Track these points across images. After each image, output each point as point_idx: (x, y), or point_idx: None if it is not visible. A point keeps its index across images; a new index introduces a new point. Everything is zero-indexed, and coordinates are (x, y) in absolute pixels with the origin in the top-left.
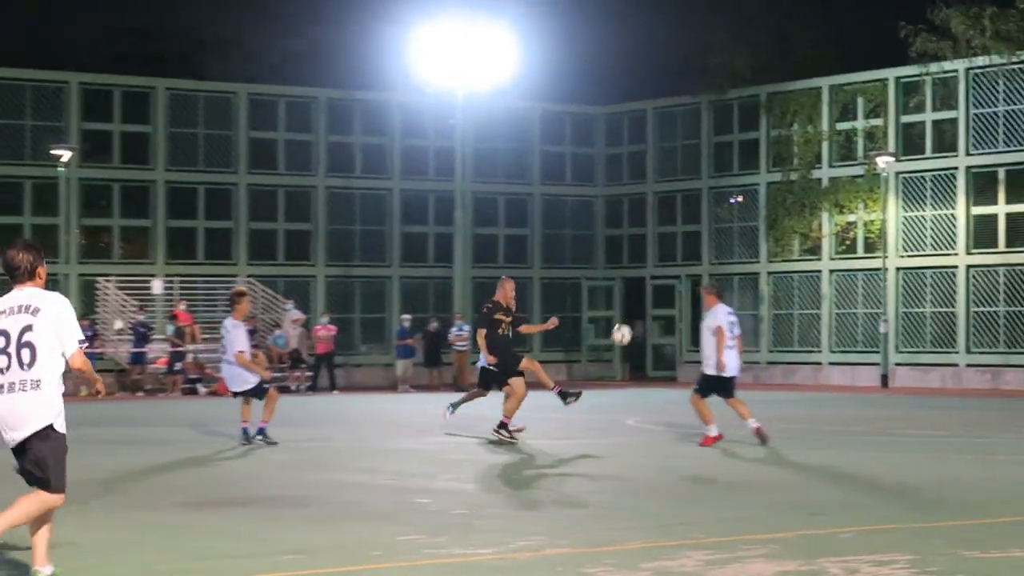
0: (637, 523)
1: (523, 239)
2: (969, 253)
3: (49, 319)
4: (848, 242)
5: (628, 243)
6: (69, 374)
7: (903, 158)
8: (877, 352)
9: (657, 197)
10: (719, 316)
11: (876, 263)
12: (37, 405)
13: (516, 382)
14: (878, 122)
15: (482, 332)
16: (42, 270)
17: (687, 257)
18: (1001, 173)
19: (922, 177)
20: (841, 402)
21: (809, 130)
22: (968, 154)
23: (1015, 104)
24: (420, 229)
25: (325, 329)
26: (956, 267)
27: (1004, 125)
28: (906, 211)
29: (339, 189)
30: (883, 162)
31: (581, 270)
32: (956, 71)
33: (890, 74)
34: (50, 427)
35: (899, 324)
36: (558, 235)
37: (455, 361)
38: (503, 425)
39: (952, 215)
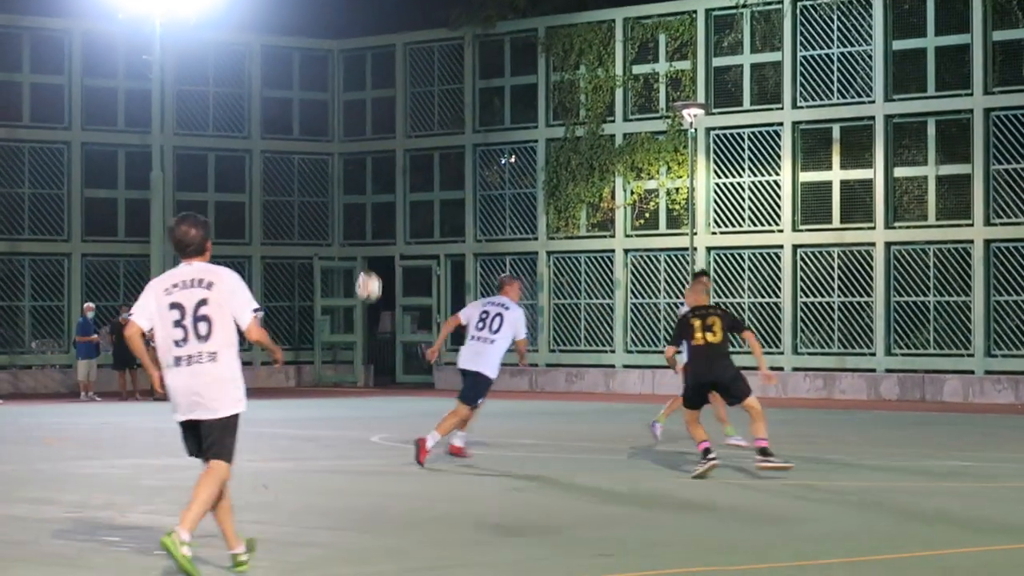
0: (392, 565)
1: (239, 207)
2: (797, 230)
3: (223, 292)
4: (648, 215)
5: (372, 213)
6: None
7: (715, 111)
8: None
9: (409, 156)
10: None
11: (682, 241)
12: (215, 379)
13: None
14: (684, 65)
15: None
16: (209, 244)
17: (447, 232)
18: (836, 130)
19: (739, 134)
20: (637, 415)
21: (599, 74)
22: (796, 107)
23: (852, 45)
24: (108, 193)
25: None
26: (781, 247)
27: (840, 71)
28: (719, 177)
29: (2, 142)
30: (690, 115)
31: (313, 247)
32: (781, 3)
33: (699, 5)
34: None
35: None
36: (283, 203)
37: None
38: (763, 451)
39: (776, 182)
